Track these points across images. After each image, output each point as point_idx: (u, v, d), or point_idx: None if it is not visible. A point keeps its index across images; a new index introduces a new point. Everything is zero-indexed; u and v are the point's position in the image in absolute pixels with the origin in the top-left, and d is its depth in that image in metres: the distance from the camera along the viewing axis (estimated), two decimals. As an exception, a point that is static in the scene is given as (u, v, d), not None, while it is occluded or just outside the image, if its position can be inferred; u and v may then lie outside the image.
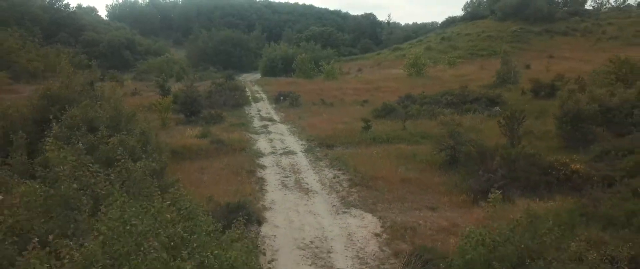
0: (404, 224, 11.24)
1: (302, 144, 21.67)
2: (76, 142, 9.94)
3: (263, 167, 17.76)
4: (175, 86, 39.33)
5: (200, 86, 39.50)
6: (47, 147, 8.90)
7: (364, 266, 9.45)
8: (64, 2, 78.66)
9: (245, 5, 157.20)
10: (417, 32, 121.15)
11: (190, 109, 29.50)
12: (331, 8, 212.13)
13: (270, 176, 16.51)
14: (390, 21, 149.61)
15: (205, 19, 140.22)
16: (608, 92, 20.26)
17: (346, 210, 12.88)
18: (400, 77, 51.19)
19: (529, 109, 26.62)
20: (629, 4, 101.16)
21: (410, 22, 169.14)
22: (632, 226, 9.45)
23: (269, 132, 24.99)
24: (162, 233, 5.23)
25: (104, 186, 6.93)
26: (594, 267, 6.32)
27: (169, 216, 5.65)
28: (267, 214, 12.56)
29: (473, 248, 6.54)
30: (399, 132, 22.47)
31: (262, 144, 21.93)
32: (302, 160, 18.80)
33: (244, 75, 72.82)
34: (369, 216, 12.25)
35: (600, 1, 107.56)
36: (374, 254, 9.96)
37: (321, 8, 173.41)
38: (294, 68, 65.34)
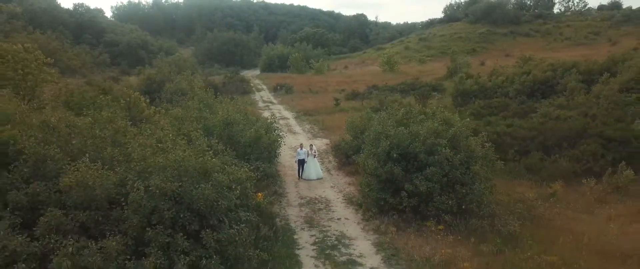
0: (340, 139, 22.27)
1: (293, 114, 32.79)
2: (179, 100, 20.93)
3: (268, 124, 28.85)
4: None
5: (212, 79, 50.53)
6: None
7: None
8: (85, 8, 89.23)
9: (243, 7, 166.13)
10: (404, 32, 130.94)
11: (212, 94, 40.60)
12: (325, 9, 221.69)
13: (273, 127, 27.58)
14: (381, 21, 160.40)
15: (206, 20, 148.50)
16: (487, 79, 31.38)
17: (314, 138, 23.97)
18: (376, 73, 62.16)
19: (455, 93, 38.00)
20: (589, 8, 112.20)
21: (402, 22, 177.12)
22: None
23: (270, 109, 36.05)
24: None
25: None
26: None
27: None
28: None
29: (348, 123, 17.95)
30: (357, 106, 33.55)
31: (266, 114, 32.92)
32: (292, 121, 29.92)
33: (245, 71, 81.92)
34: (326, 139, 23.41)
35: (566, 5, 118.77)
36: (322, 149, 21.14)
37: (315, 9, 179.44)
38: (289, 65, 76.24)
